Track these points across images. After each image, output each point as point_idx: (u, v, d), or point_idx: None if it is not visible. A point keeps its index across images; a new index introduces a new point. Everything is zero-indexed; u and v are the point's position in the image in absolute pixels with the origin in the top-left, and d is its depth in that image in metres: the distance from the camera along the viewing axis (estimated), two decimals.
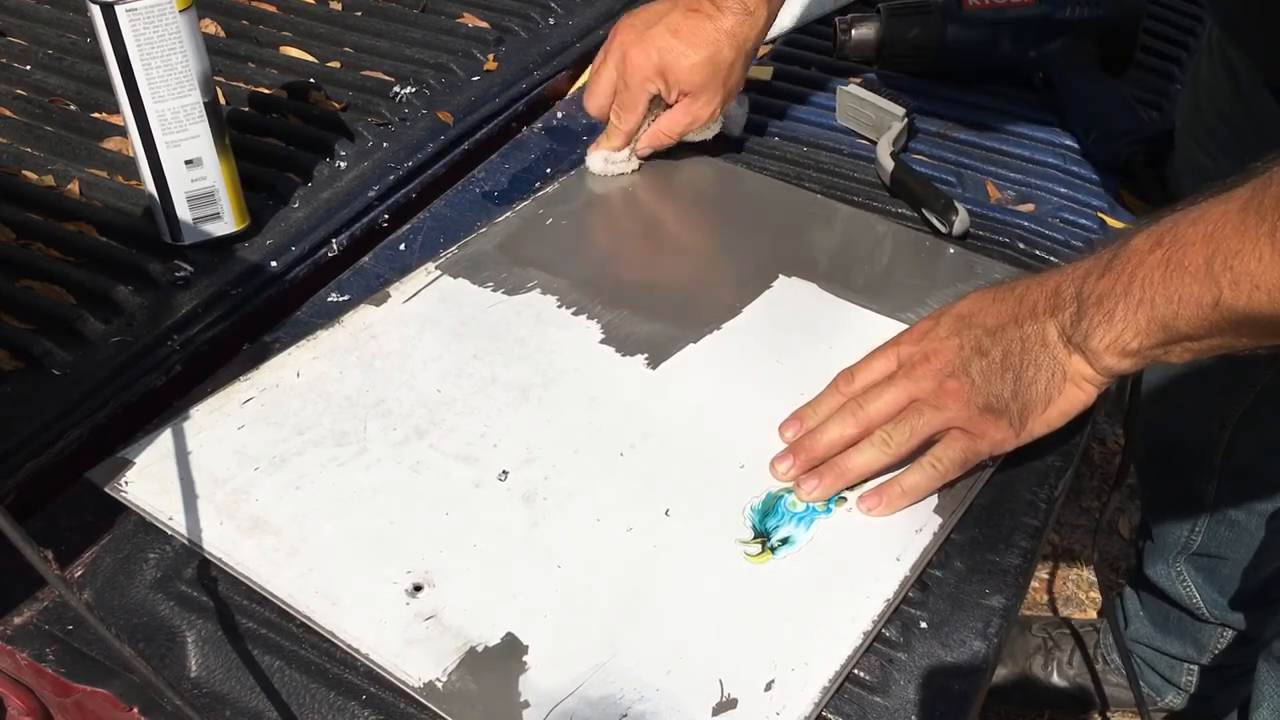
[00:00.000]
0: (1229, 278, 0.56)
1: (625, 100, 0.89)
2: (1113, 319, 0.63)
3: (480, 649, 0.58)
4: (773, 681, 0.58)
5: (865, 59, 1.08)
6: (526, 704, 0.56)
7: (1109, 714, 1.48)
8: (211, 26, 1.09)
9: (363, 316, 0.78)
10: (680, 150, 0.93)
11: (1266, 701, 1.14)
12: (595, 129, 1.00)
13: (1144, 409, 0.86)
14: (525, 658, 0.58)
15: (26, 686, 0.61)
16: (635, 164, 0.93)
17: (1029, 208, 0.93)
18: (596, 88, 0.90)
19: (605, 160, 0.92)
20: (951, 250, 0.87)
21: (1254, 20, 0.84)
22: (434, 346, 0.76)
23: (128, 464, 0.67)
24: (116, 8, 0.73)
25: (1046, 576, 1.67)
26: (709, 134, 0.93)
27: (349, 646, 0.58)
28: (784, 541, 0.65)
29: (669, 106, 0.90)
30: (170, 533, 0.64)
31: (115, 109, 0.82)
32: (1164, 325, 0.61)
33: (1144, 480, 1.38)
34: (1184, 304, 0.59)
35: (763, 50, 1.11)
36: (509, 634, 0.59)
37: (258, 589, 0.61)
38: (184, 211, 0.81)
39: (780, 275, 0.83)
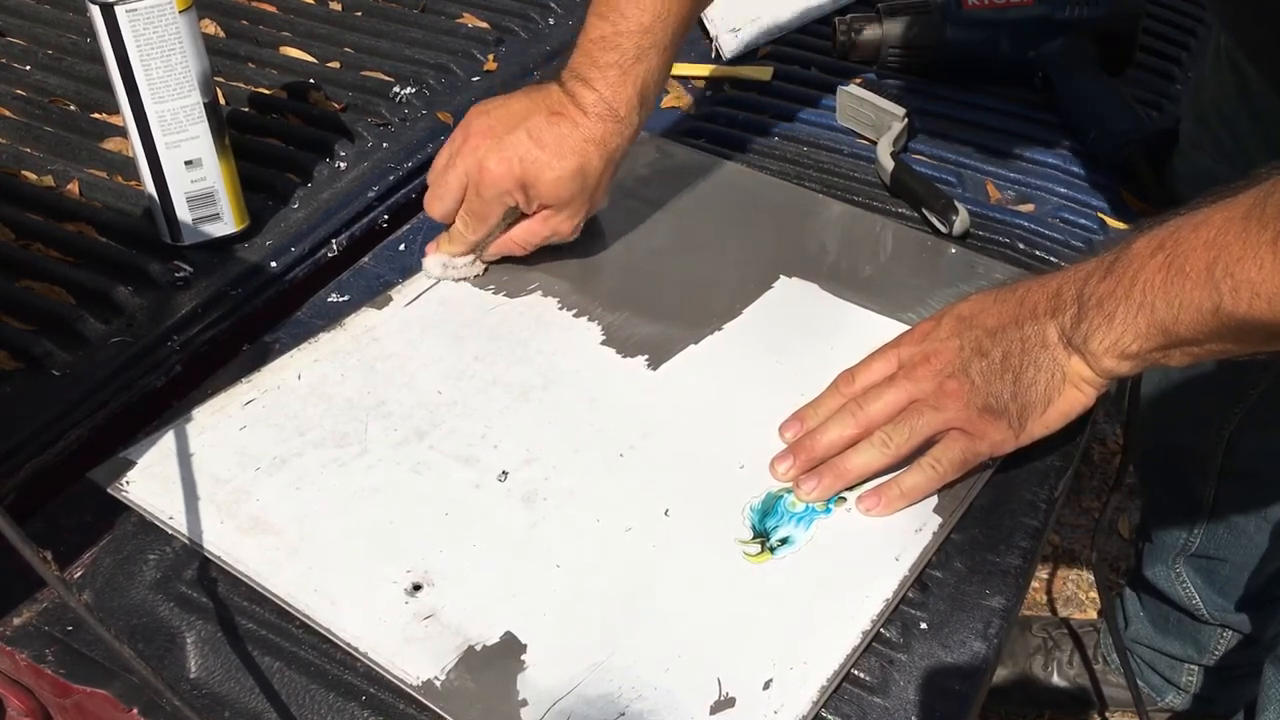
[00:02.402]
0: (1230, 284, 0.57)
1: (477, 210, 0.78)
2: (1113, 322, 0.63)
3: (479, 648, 0.58)
4: (771, 680, 0.58)
5: (865, 59, 1.08)
6: (525, 702, 0.56)
7: (1109, 714, 1.48)
8: (211, 26, 1.09)
9: (364, 319, 0.78)
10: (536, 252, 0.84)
11: (1273, 705, 1.14)
12: None
13: (1144, 411, 0.86)
14: (524, 657, 0.58)
15: (26, 687, 0.61)
16: (479, 269, 0.82)
17: (1029, 208, 0.93)
18: (443, 190, 0.79)
19: (445, 265, 0.82)
20: (952, 250, 0.87)
21: (1265, 34, 0.83)
22: (435, 348, 0.76)
23: (129, 464, 0.67)
24: (116, 8, 0.73)
25: (1046, 576, 1.67)
26: (568, 239, 0.83)
27: (348, 645, 0.58)
28: (783, 541, 0.65)
29: (524, 216, 0.80)
30: (171, 532, 0.64)
31: (115, 109, 0.82)
32: (1164, 329, 0.61)
33: (1143, 482, 1.38)
34: (1184, 309, 0.59)
35: (763, 50, 1.12)
36: (508, 633, 0.59)
37: (257, 588, 0.61)
38: (184, 212, 0.81)
39: (781, 275, 0.83)
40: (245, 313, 0.80)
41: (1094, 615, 1.61)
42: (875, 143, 0.96)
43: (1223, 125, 0.96)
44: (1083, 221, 0.92)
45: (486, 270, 0.83)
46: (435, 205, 0.80)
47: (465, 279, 0.82)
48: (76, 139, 0.93)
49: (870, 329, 0.78)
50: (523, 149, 0.76)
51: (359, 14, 1.13)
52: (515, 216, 0.80)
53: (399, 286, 0.81)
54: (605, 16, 0.77)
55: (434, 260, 0.82)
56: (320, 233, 0.87)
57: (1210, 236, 0.58)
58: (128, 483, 0.66)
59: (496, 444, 0.69)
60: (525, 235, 0.81)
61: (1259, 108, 0.91)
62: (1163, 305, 0.60)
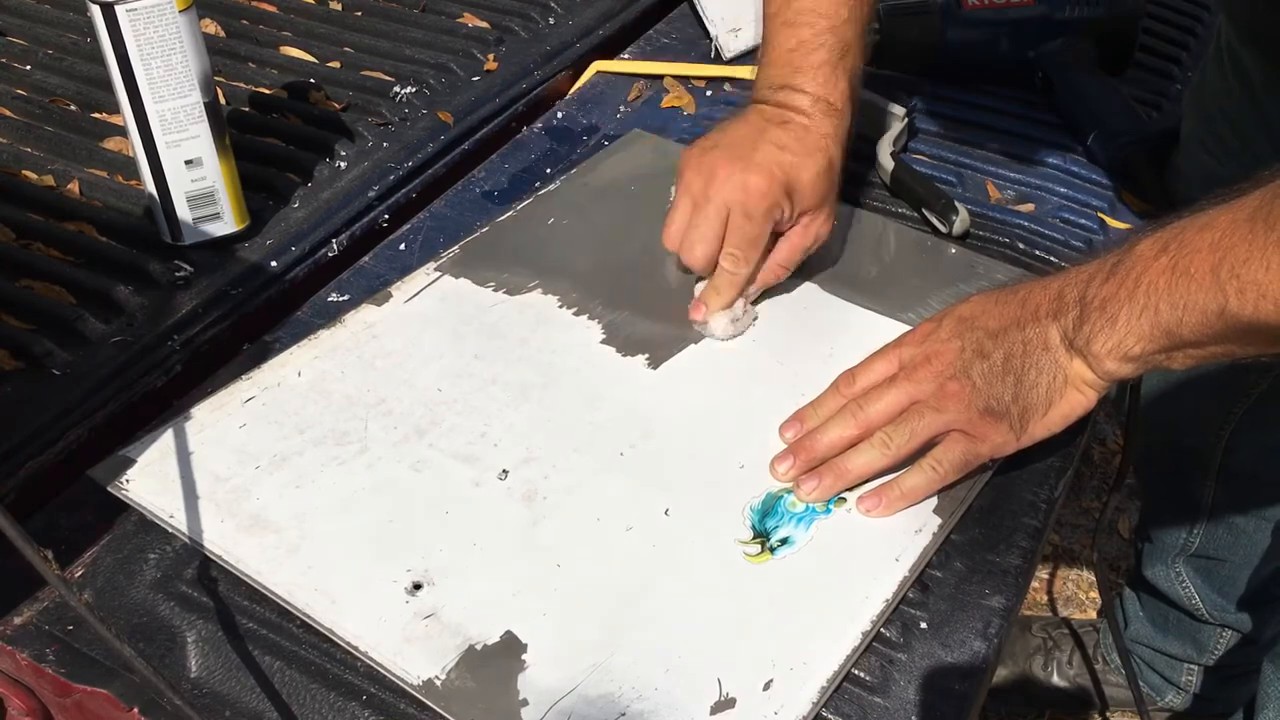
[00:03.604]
0: (1235, 286, 0.56)
1: (748, 235, 0.75)
2: (1116, 324, 0.63)
3: (479, 647, 0.58)
4: (771, 681, 0.58)
5: (865, 59, 1.07)
6: (525, 702, 0.56)
7: (1109, 714, 1.48)
8: (211, 26, 1.09)
9: (364, 316, 0.78)
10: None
11: (1272, 704, 1.14)
12: (596, 127, 1.01)
13: (1144, 411, 0.85)
14: (524, 656, 0.58)
15: (26, 686, 0.61)
16: (754, 314, 0.79)
17: (1029, 208, 0.93)
18: (704, 231, 0.75)
19: (733, 321, 0.77)
20: (952, 250, 0.87)
21: (1272, 20, 0.83)
22: (435, 346, 0.76)
23: (129, 462, 0.67)
24: (116, 8, 0.73)
25: (1046, 576, 1.67)
26: (827, 241, 0.82)
27: (348, 644, 0.58)
28: (783, 542, 0.65)
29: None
30: (171, 530, 0.64)
31: (115, 109, 0.82)
32: (1167, 331, 0.61)
33: (1143, 482, 1.38)
34: (1189, 311, 0.59)
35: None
36: (508, 632, 0.59)
37: (258, 587, 0.61)
38: (184, 211, 0.81)
39: None
40: (245, 312, 0.80)
41: (1094, 615, 1.61)
42: (875, 143, 0.96)
43: (1227, 125, 0.96)
44: (1083, 221, 0.92)
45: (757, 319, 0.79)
46: (698, 250, 0.76)
47: (745, 330, 0.79)
48: (77, 139, 0.93)
49: (870, 329, 0.78)
50: (776, 157, 0.76)
51: (359, 14, 1.13)
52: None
53: (399, 283, 0.81)
54: (796, 24, 0.79)
55: (720, 321, 0.77)
56: (320, 232, 0.87)
57: (1215, 238, 0.58)
58: (127, 481, 0.66)
59: (496, 442, 0.69)
60: (789, 254, 0.79)
61: (1264, 107, 0.91)
62: (1167, 307, 0.60)
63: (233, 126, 0.90)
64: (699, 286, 0.79)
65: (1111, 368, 0.64)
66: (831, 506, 0.67)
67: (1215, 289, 0.57)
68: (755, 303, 0.80)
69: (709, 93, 1.07)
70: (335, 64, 1.05)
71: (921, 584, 0.64)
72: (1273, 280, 0.55)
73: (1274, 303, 0.55)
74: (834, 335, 0.78)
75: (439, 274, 0.82)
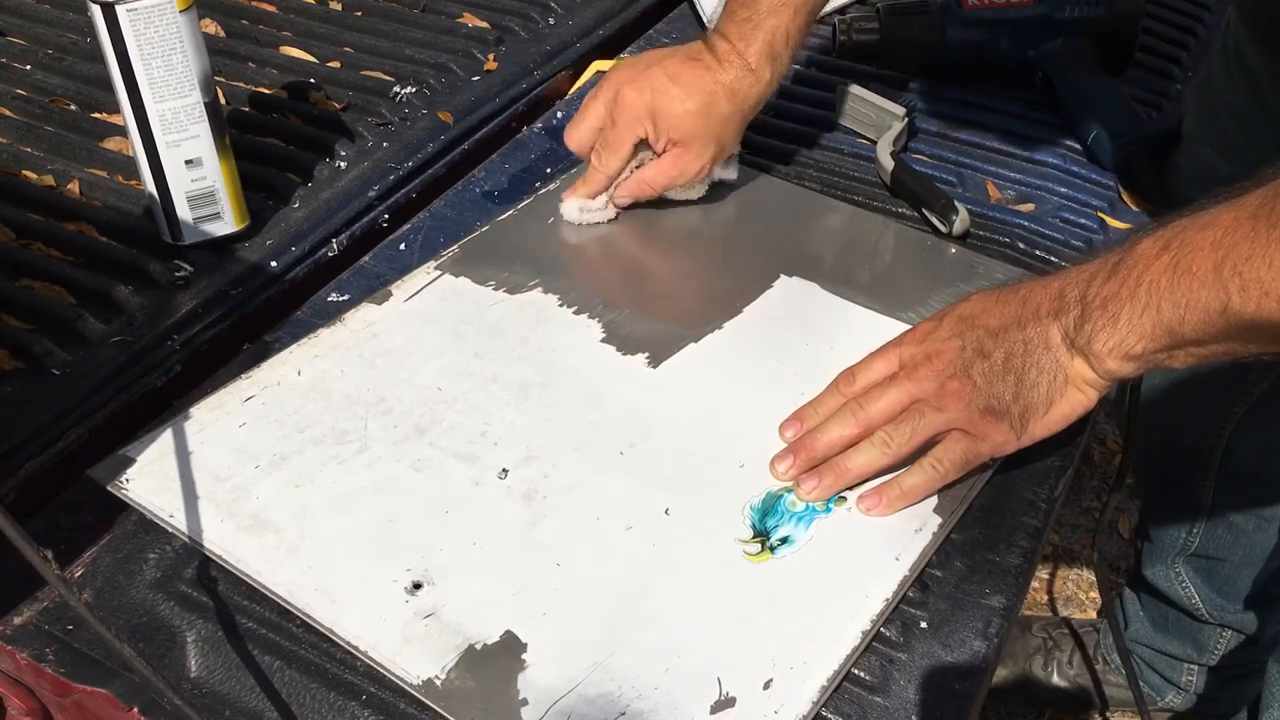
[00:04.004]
0: (1238, 283, 0.56)
1: (611, 140, 0.85)
2: (1117, 323, 0.63)
3: (479, 647, 0.58)
4: (771, 680, 0.58)
5: (865, 59, 1.08)
6: (525, 702, 0.56)
7: (1109, 714, 1.48)
8: (211, 26, 1.09)
9: (364, 315, 0.78)
10: (661, 204, 0.89)
11: (1277, 703, 1.14)
12: None
13: (1143, 410, 0.85)
14: (524, 655, 0.58)
15: (26, 686, 0.61)
16: (612, 213, 0.88)
17: (1029, 208, 0.93)
18: (582, 122, 0.86)
19: (580, 209, 0.87)
20: (952, 250, 0.87)
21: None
22: (435, 345, 0.76)
23: (129, 461, 0.67)
24: (117, 8, 0.73)
25: (1046, 576, 1.67)
26: (694, 193, 0.89)
27: (348, 644, 0.58)
28: (783, 541, 0.65)
29: (656, 157, 0.86)
30: (171, 530, 0.64)
31: (115, 109, 0.82)
32: (1169, 330, 0.61)
33: (1142, 482, 1.38)
34: (1191, 309, 0.59)
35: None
36: (508, 632, 0.59)
37: (257, 586, 0.61)
38: (184, 211, 0.82)
39: (781, 275, 0.84)
40: (245, 312, 0.80)
41: (1094, 615, 1.61)
42: (875, 143, 0.96)
43: (1231, 120, 0.96)
44: (1083, 221, 0.92)
45: (618, 216, 0.88)
46: (574, 134, 0.86)
47: (599, 223, 0.87)
48: (77, 138, 0.94)
49: (870, 329, 0.78)
50: (656, 82, 0.83)
51: (359, 14, 1.13)
52: (647, 158, 0.86)
53: (399, 282, 0.81)
54: None
55: (570, 204, 0.87)
56: (320, 232, 0.87)
57: (1218, 236, 0.58)
58: (127, 480, 0.66)
59: (496, 441, 0.69)
60: (654, 174, 0.86)
61: (1268, 102, 0.91)
62: (1169, 306, 0.60)
63: (233, 126, 0.90)
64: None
65: (1113, 367, 0.64)
66: (831, 506, 0.67)
67: (1218, 287, 0.57)
68: (622, 209, 0.88)
69: None
70: (335, 64, 1.05)
71: (921, 583, 0.64)
72: (1275, 277, 0.55)
73: (1277, 300, 0.55)
74: (834, 335, 0.78)
75: (439, 273, 0.82)
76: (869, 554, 0.64)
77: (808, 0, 0.84)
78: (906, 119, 0.97)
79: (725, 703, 0.57)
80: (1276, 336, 0.58)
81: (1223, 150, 0.96)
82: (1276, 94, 0.90)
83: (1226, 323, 0.58)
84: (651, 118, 0.83)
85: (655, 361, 0.76)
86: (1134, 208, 0.95)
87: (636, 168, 0.86)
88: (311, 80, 1.02)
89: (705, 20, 1.11)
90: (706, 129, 0.83)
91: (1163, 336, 0.61)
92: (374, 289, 0.81)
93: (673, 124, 0.83)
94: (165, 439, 0.68)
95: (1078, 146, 0.99)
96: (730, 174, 0.90)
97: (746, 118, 0.86)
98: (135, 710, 0.57)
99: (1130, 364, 0.64)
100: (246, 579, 0.61)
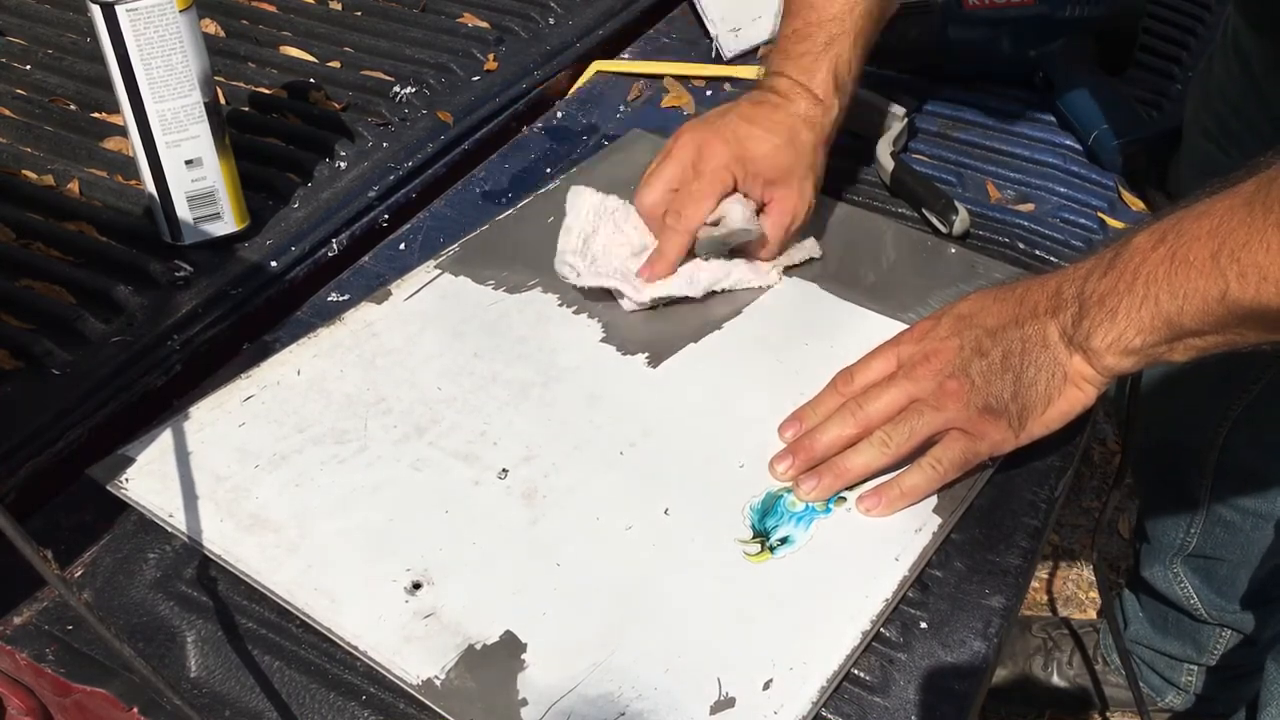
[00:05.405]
0: (1236, 270, 0.56)
1: (695, 191, 0.78)
2: (1115, 317, 0.63)
3: (479, 647, 0.58)
4: (771, 680, 0.58)
5: (864, 51, 1.07)
6: (525, 702, 0.56)
7: (1109, 714, 1.48)
8: (211, 26, 1.09)
9: (364, 314, 0.78)
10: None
11: (1275, 702, 1.14)
12: (596, 127, 1.01)
13: (1141, 410, 0.86)
14: (524, 655, 0.58)
15: (26, 686, 0.61)
16: (692, 289, 0.79)
17: (1029, 208, 0.93)
18: (656, 181, 0.80)
19: (640, 288, 0.78)
20: (952, 250, 0.87)
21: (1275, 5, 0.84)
22: (435, 344, 0.76)
23: (129, 461, 0.67)
24: (117, 7, 0.73)
25: (1046, 576, 1.67)
26: (804, 254, 0.83)
27: (348, 644, 0.58)
28: (783, 541, 0.65)
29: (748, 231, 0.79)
30: (170, 530, 0.64)
31: (115, 109, 0.82)
32: (1168, 321, 0.61)
33: (1140, 482, 1.38)
34: (1189, 299, 0.59)
35: (763, 50, 1.12)
36: (508, 632, 0.59)
37: (257, 586, 0.61)
38: (184, 211, 0.82)
39: (781, 275, 0.83)
40: (245, 312, 0.80)
41: (1094, 615, 1.61)
42: (875, 143, 0.96)
43: (1230, 109, 0.96)
44: (1083, 221, 0.92)
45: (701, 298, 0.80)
46: (644, 194, 0.80)
47: (673, 297, 0.79)
48: (77, 138, 0.93)
49: (870, 329, 0.78)
50: (735, 126, 0.80)
51: (359, 13, 1.13)
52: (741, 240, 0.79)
53: (398, 281, 0.81)
54: (797, 14, 0.83)
55: (629, 289, 0.78)
56: (320, 232, 0.87)
57: (1213, 225, 0.58)
58: (127, 480, 0.66)
59: (496, 441, 0.69)
60: (770, 228, 0.80)
61: (1265, 90, 0.91)
62: (1167, 297, 0.60)
63: (233, 126, 0.90)
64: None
65: (1111, 362, 0.64)
66: (831, 506, 0.67)
67: (1216, 275, 0.57)
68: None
69: (709, 93, 1.07)
70: (335, 64, 1.05)
71: (921, 583, 0.64)
72: (1273, 262, 0.55)
73: (1276, 285, 0.55)
74: (834, 335, 0.78)
75: (439, 272, 0.82)
76: (869, 554, 0.64)
77: (865, 28, 0.82)
78: (906, 119, 0.97)
79: (725, 703, 0.57)
80: (1275, 323, 0.58)
81: (1220, 139, 0.97)
82: (1271, 79, 0.90)
83: (1225, 311, 0.58)
84: (740, 163, 0.79)
85: (655, 361, 0.76)
86: (1134, 208, 0.95)
87: (731, 254, 0.80)
88: (311, 80, 1.02)
89: (706, 20, 1.11)
90: (797, 159, 0.80)
91: (1161, 329, 0.61)
92: (374, 289, 0.81)
93: (763, 164, 0.79)
94: (165, 439, 0.68)
95: (1078, 146, 1.00)
96: (816, 252, 0.84)
97: (829, 145, 0.83)
98: (135, 710, 0.57)
99: (1129, 359, 0.64)
100: (246, 579, 0.61)
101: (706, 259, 0.80)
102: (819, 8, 0.81)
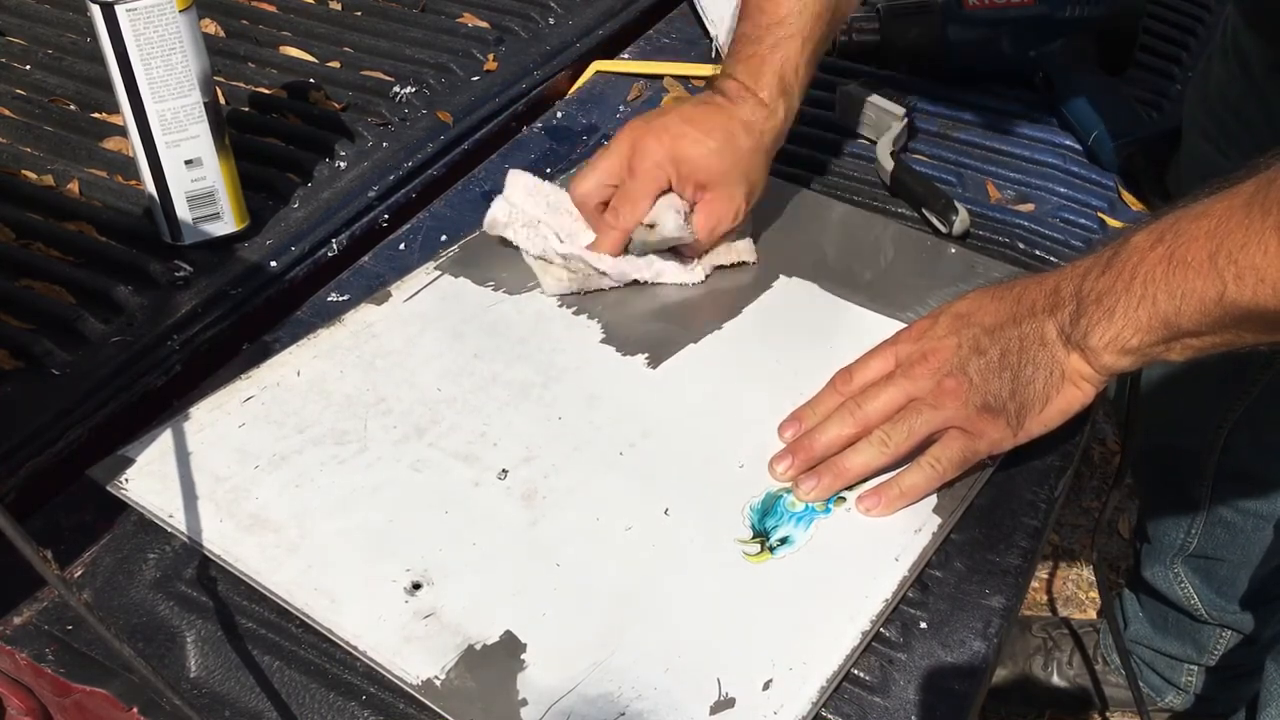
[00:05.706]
0: (1233, 271, 0.56)
1: (630, 191, 0.79)
2: (1113, 316, 0.63)
3: (479, 647, 0.58)
4: (771, 681, 0.58)
5: (865, 59, 1.08)
6: (525, 702, 0.56)
7: (1109, 714, 1.48)
8: (211, 26, 1.09)
9: (364, 315, 0.78)
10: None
11: (1274, 702, 1.14)
12: (596, 127, 1.01)
13: (1140, 410, 0.86)
14: (524, 656, 0.58)
15: (26, 686, 0.61)
16: (610, 280, 0.81)
17: (1029, 208, 0.93)
18: (590, 174, 0.81)
19: (576, 277, 0.80)
20: (952, 250, 0.87)
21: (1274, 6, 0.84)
22: (434, 345, 0.76)
23: (128, 461, 0.67)
24: (116, 8, 0.73)
25: (1046, 576, 1.67)
26: (734, 256, 0.84)
27: (348, 644, 0.58)
28: (783, 541, 0.65)
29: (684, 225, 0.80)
30: (170, 530, 0.64)
31: (115, 109, 0.82)
32: (1165, 321, 0.61)
33: (1140, 482, 1.38)
34: (1187, 299, 0.59)
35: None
36: (508, 632, 0.59)
37: (257, 586, 0.61)
38: (184, 211, 0.82)
39: (780, 275, 0.84)
40: (245, 312, 0.80)
41: (1094, 615, 1.61)
42: (875, 143, 0.96)
43: (1228, 110, 0.96)
44: (1083, 221, 0.92)
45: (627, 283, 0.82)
46: (579, 185, 0.81)
47: (600, 290, 0.81)
48: (76, 138, 0.93)
49: (870, 329, 0.78)
50: (673, 127, 0.79)
51: (359, 14, 1.13)
52: (675, 237, 0.80)
53: (398, 282, 0.81)
54: (748, 16, 0.83)
55: (550, 278, 0.81)
56: (320, 232, 0.87)
57: (1211, 226, 0.58)
58: (126, 480, 0.66)
59: (496, 442, 0.69)
60: (702, 224, 0.81)
61: (1264, 90, 0.91)
62: (1164, 297, 0.60)
63: (233, 126, 0.90)
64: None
65: (1109, 361, 0.64)
66: (831, 506, 0.67)
67: (1213, 276, 0.57)
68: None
69: None
70: (335, 64, 1.05)
71: (921, 584, 0.64)
72: (1271, 264, 0.55)
73: (1273, 287, 0.55)
74: (833, 335, 0.78)
75: (439, 273, 0.82)
76: (869, 554, 0.64)
77: (814, 30, 0.81)
78: (906, 119, 0.97)
79: (725, 703, 0.57)
80: (1272, 324, 0.58)
81: (1219, 140, 0.97)
82: (1270, 80, 0.90)
83: (1222, 312, 0.58)
84: (674, 163, 0.79)
85: (655, 362, 0.76)
86: (1134, 208, 0.95)
87: (668, 254, 0.82)
88: (311, 80, 1.02)
89: (705, 20, 1.11)
90: (733, 164, 0.80)
91: (1159, 328, 0.61)
92: (374, 289, 0.81)
93: (696, 166, 0.79)
94: (165, 439, 0.68)
95: (1078, 146, 1.00)
96: (750, 256, 0.84)
97: (769, 153, 0.82)
98: (135, 710, 0.57)
99: (1127, 358, 0.64)
100: (246, 579, 0.61)
101: (638, 256, 0.82)
102: (768, 11, 0.81)
